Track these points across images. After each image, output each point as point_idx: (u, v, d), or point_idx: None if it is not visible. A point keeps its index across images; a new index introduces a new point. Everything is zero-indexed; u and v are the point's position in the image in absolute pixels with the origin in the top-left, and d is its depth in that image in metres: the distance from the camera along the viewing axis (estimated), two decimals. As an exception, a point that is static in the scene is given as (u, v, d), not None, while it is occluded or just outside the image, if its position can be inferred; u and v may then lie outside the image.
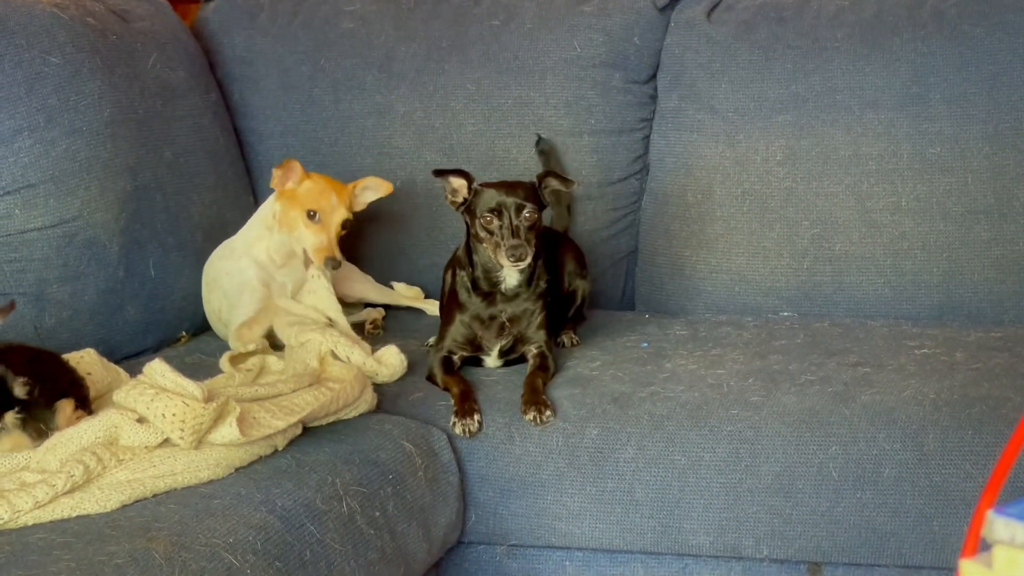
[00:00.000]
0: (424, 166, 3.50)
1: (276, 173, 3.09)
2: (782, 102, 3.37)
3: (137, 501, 2.18)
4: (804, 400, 2.68)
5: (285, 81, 3.62)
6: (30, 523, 2.08)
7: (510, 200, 2.82)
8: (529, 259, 2.81)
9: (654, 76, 3.53)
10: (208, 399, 2.33)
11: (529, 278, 2.91)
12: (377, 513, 2.42)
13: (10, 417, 2.27)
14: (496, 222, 2.81)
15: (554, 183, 2.92)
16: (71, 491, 2.15)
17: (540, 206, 2.87)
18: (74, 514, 2.11)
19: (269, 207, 3.15)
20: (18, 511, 2.07)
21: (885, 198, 3.27)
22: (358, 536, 2.34)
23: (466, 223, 2.90)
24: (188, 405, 2.30)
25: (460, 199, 2.88)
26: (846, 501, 2.60)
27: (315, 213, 3.05)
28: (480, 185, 2.87)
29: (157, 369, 2.41)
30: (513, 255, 2.79)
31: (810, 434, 2.62)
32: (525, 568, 2.80)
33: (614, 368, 2.88)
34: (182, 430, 2.29)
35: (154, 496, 2.20)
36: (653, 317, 3.36)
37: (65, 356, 2.61)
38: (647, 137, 3.52)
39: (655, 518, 2.67)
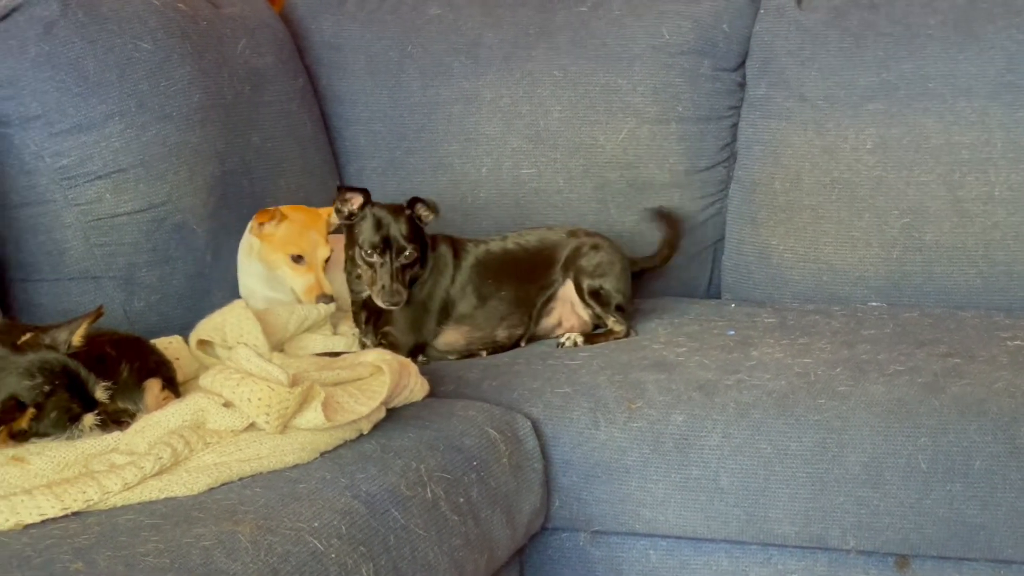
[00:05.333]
0: (511, 152, 3.51)
1: (254, 224, 3.02)
2: (873, 90, 3.34)
3: (223, 484, 2.19)
4: (893, 390, 2.65)
5: (372, 67, 3.63)
6: (119, 504, 2.09)
7: (393, 240, 2.93)
8: (402, 303, 2.94)
9: (743, 63, 3.51)
10: (293, 384, 2.34)
11: None
12: (461, 499, 2.42)
13: (89, 419, 2.29)
14: (377, 259, 2.93)
15: (421, 210, 2.98)
16: (159, 473, 2.16)
17: (417, 235, 2.97)
18: (162, 496, 2.13)
19: (246, 240, 3.07)
20: (107, 492, 2.09)
21: (978, 187, 3.24)
22: (442, 522, 2.34)
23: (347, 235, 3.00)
24: (273, 390, 2.31)
25: (347, 212, 2.97)
26: (935, 493, 2.57)
27: (300, 257, 3.01)
28: (370, 208, 2.95)
29: (243, 354, 2.43)
30: (388, 300, 2.93)
31: (899, 425, 2.59)
32: (608, 555, 2.79)
33: (700, 355, 2.87)
34: (267, 414, 2.30)
35: (240, 480, 2.21)
36: (740, 305, 3.34)
37: (153, 341, 2.63)
38: (735, 125, 3.51)
39: (740, 507, 2.65)
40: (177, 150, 3.01)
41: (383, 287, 2.92)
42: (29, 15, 2.84)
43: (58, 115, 2.85)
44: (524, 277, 3.11)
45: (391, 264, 2.93)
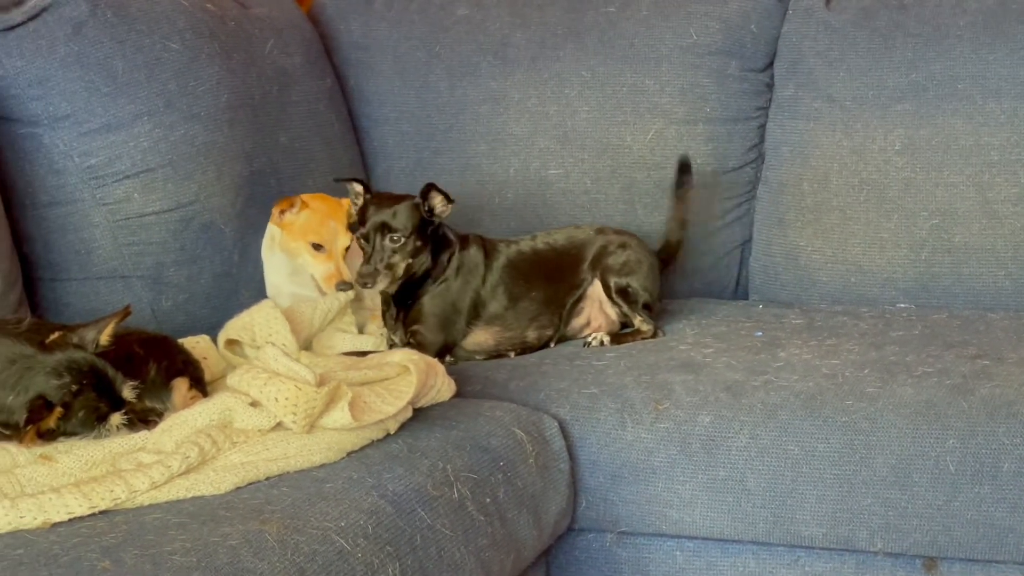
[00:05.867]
0: (539, 153, 3.50)
1: (274, 212, 3.05)
2: (901, 91, 3.33)
3: (250, 484, 2.19)
4: (921, 392, 2.64)
5: (400, 67, 3.63)
6: (146, 503, 2.10)
7: (378, 221, 2.91)
8: (381, 286, 2.92)
9: (771, 64, 3.50)
10: (320, 383, 2.34)
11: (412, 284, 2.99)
12: (488, 500, 2.42)
13: (116, 418, 2.29)
14: (365, 244, 2.92)
15: (437, 200, 2.95)
16: (186, 472, 2.17)
17: (418, 225, 2.93)
18: (189, 495, 2.13)
19: (268, 231, 3.10)
20: (135, 491, 2.10)
21: (1007, 189, 3.23)
22: (469, 522, 2.34)
23: None
24: (301, 389, 2.31)
25: (358, 205, 2.97)
26: (963, 495, 2.56)
27: (320, 245, 3.02)
28: (370, 199, 2.95)
29: (270, 353, 2.43)
30: (361, 280, 2.91)
31: (927, 426, 2.58)
32: (635, 556, 2.79)
33: (727, 356, 2.86)
34: (295, 414, 2.30)
35: (267, 479, 2.22)
36: (767, 306, 3.33)
37: (181, 341, 2.64)
38: (763, 126, 3.50)
39: (767, 508, 2.65)
40: (205, 150, 3.02)
41: (360, 271, 2.90)
42: (58, 15, 2.85)
43: (87, 115, 2.86)
44: (554, 277, 3.10)
45: (374, 245, 2.90)
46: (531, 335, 3.09)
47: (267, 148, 3.21)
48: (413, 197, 2.95)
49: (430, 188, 2.94)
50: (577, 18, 3.55)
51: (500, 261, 3.08)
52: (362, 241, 2.92)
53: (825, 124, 3.39)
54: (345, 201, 3.08)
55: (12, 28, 2.81)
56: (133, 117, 2.91)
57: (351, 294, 3.01)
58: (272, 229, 3.07)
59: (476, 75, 3.57)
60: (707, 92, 3.46)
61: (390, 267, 2.92)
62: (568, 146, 3.50)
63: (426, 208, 2.95)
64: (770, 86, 3.50)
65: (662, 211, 3.43)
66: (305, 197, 3.05)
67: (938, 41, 3.31)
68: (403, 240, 2.92)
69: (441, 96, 3.60)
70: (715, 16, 3.47)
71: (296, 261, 3.04)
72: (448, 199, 2.95)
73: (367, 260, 2.91)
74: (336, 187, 3.24)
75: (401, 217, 2.92)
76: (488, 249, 3.09)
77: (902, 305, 3.28)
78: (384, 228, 2.91)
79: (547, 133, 3.51)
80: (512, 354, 3.08)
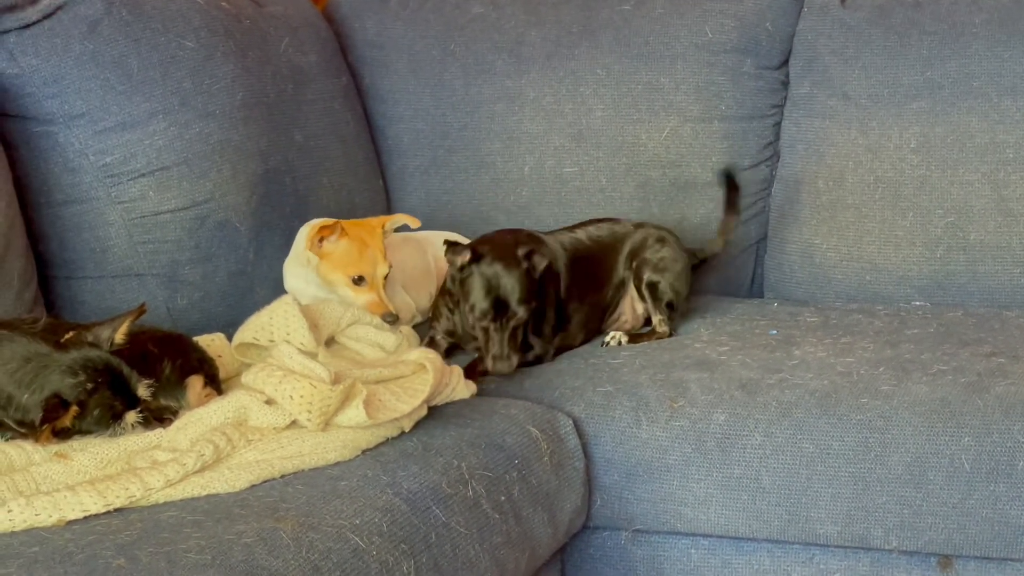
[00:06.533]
0: (553, 151, 3.51)
1: (312, 240, 2.92)
2: (917, 88, 3.32)
3: (265, 481, 2.19)
4: (936, 390, 2.64)
5: (415, 65, 3.63)
6: (161, 501, 2.11)
7: (504, 299, 2.77)
8: (513, 368, 2.78)
9: (786, 62, 3.50)
10: (335, 381, 2.35)
11: None
12: (503, 497, 2.42)
13: (131, 416, 2.29)
14: (488, 324, 2.78)
15: (535, 259, 2.83)
16: (201, 470, 2.17)
17: (534, 292, 2.80)
18: (204, 493, 2.14)
19: (303, 251, 2.97)
20: (150, 489, 2.10)
21: (1022, 186, 3.22)
22: (483, 520, 2.34)
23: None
24: (316, 387, 2.31)
25: (458, 263, 2.82)
26: (978, 493, 2.55)
27: (361, 278, 2.91)
28: (476, 263, 2.79)
29: (285, 351, 2.44)
30: (498, 369, 2.78)
31: (942, 424, 2.58)
32: (650, 554, 2.78)
33: (742, 354, 2.86)
34: (310, 412, 2.30)
35: (282, 477, 2.22)
36: (782, 304, 3.33)
37: (196, 339, 2.64)
38: (778, 123, 3.50)
39: (782, 506, 2.65)
40: (220, 148, 3.02)
41: (493, 356, 2.77)
42: (73, 13, 2.86)
43: (102, 113, 2.87)
44: (603, 277, 3.09)
45: (502, 331, 2.78)
46: (579, 337, 3.07)
47: (282, 146, 3.21)
48: (518, 259, 2.80)
49: (531, 254, 2.81)
50: (592, 16, 3.55)
51: (563, 263, 3.00)
52: (484, 320, 2.78)
53: (840, 122, 3.38)
54: (376, 221, 2.98)
55: (27, 26, 2.81)
56: (148, 115, 2.92)
57: (399, 337, 2.92)
58: (307, 253, 2.96)
59: (491, 73, 3.58)
60: (722, 90, 3.46)
61: (516, 346, 2.81)
62: (583, 144, 3.50)
63: (530, 267, 2.82)
64: (785, 84, 3.50)
65: (677, 209, 3.43)
66: (343, 224, 2.94)
67: (954, 39, 3.31)
68: (526, 318, 2.81)
69: (456, 94, 3.60)
70: (730, 14, 3.47)
71: (335, 290, 2.94)
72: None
73: (503, 346, 2.77)
74: (355, 192, 3.24)
75: (522, 290, 2.78)
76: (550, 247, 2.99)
77: (917, 303, 3.28)
78: (512, 313, 2.77)
79: (562, 131, 3.51)
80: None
